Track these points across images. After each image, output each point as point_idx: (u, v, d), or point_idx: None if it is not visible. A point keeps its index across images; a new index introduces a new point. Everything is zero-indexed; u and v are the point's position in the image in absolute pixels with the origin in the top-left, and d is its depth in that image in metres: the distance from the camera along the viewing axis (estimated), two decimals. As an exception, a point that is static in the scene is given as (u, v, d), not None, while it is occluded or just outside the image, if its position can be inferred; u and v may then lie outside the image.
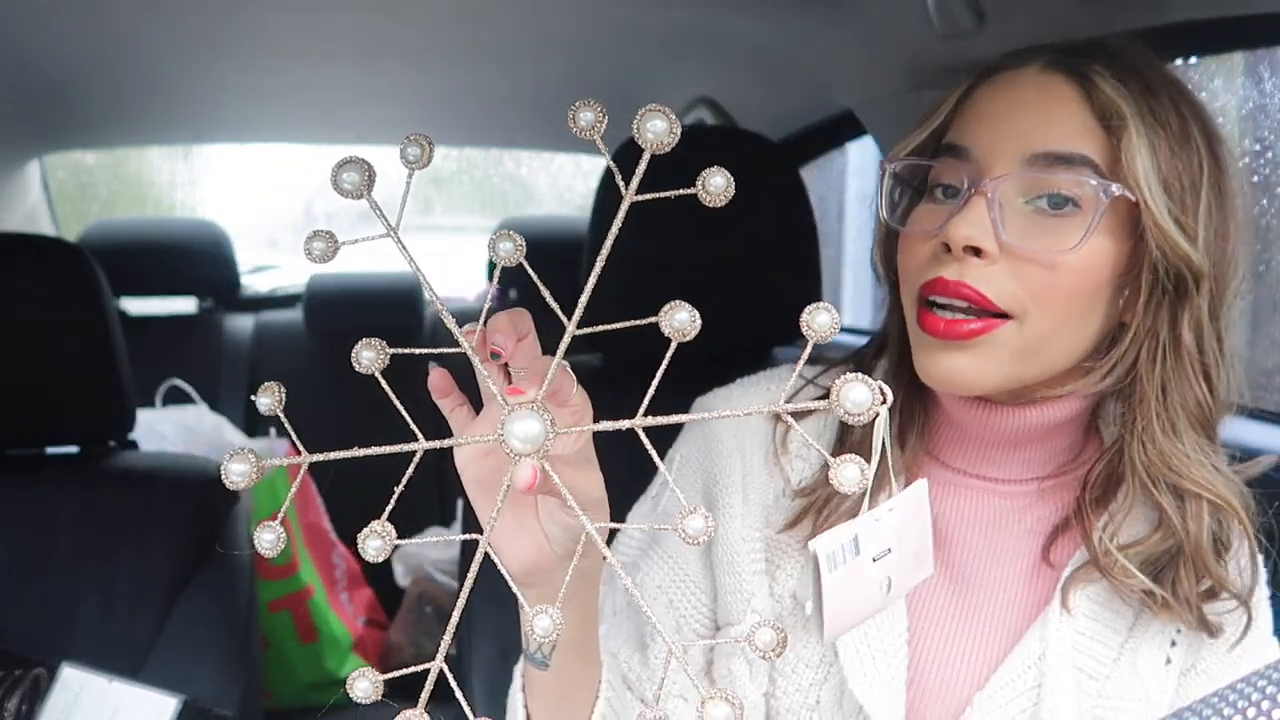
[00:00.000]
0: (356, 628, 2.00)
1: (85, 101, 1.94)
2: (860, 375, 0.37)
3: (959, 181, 0.66)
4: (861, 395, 0.36)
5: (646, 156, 0.37)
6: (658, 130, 0.37)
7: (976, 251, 0.63)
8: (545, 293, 0.41)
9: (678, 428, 0.83)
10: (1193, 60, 1.21)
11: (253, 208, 3.90)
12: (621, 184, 0.38)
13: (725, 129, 1.83)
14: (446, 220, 4.02)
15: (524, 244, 0.41)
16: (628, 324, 0.39)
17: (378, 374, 0.43)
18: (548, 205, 3.72)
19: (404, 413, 0.42)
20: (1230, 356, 0.68)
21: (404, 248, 0.40)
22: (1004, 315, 0.64)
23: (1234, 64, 1.27)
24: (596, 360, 1.18)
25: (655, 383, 0.39)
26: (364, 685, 0.39)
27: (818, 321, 0.37)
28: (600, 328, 0.40)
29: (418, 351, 0.45)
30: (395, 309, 2.46)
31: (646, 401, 0.39)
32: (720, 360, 1.10)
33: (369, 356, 0.42)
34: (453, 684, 0.40)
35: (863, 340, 0.82)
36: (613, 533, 0.81)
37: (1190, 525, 0.67)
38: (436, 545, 2.08)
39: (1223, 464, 0.69)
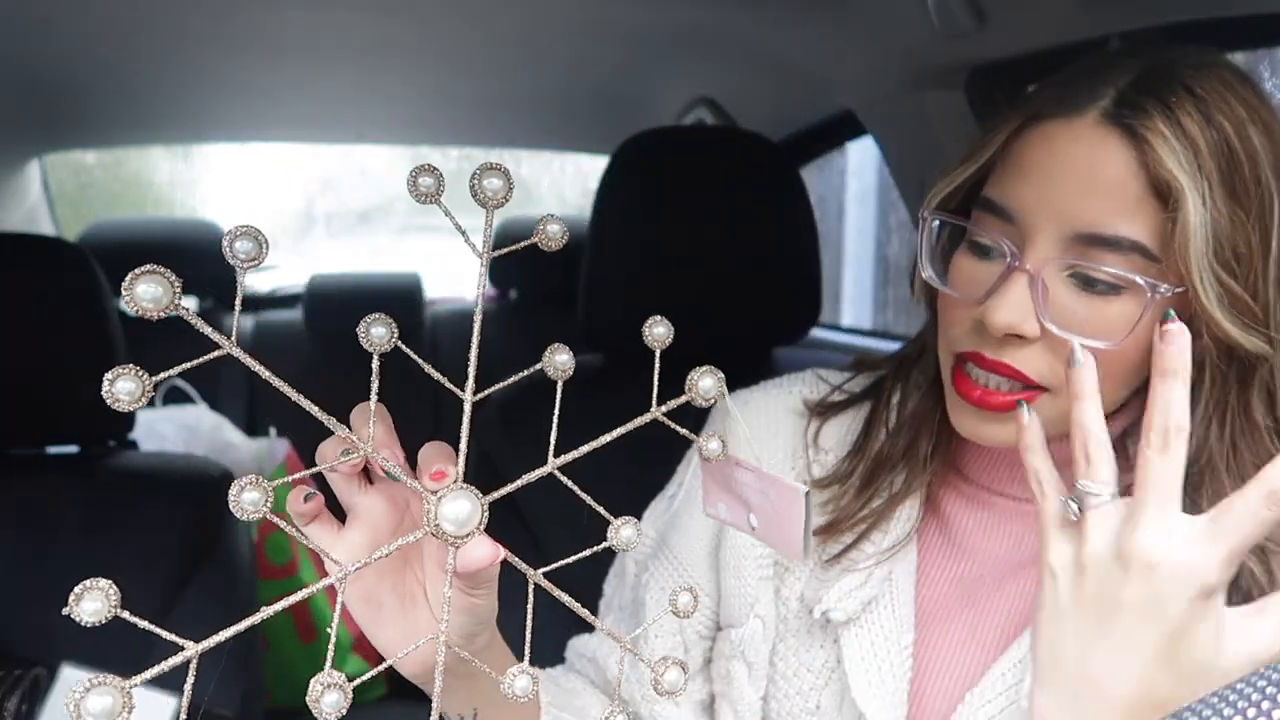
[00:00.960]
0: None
1: (85, 101, 1.94)
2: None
3: (999, 246, 0.62)
4: (708, 384, 0.38)
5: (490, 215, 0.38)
6: (494, 188, 0.37)
7: (1017, 334, 0.61)
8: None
9: (677, 433, 0.83)
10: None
11: (253, 208, 3.90)
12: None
13: (725, 129, 1.83)
14: (446, 220, 4.01)
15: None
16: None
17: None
18: (548, 205, 3.72)
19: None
20: None
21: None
22: (1040, 388, 0.62)
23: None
24: (596, 360, 1.18)
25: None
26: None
27: (655, 332, 0.39)
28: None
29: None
30: (395, 309, 2.45)
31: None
32: (720, 361, 1.10)
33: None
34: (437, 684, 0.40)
35: (863, 340, 0.82)
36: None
37: (1277, 575, 0.63)
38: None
39: None
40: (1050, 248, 0.60)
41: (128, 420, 1.26)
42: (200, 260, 2.50)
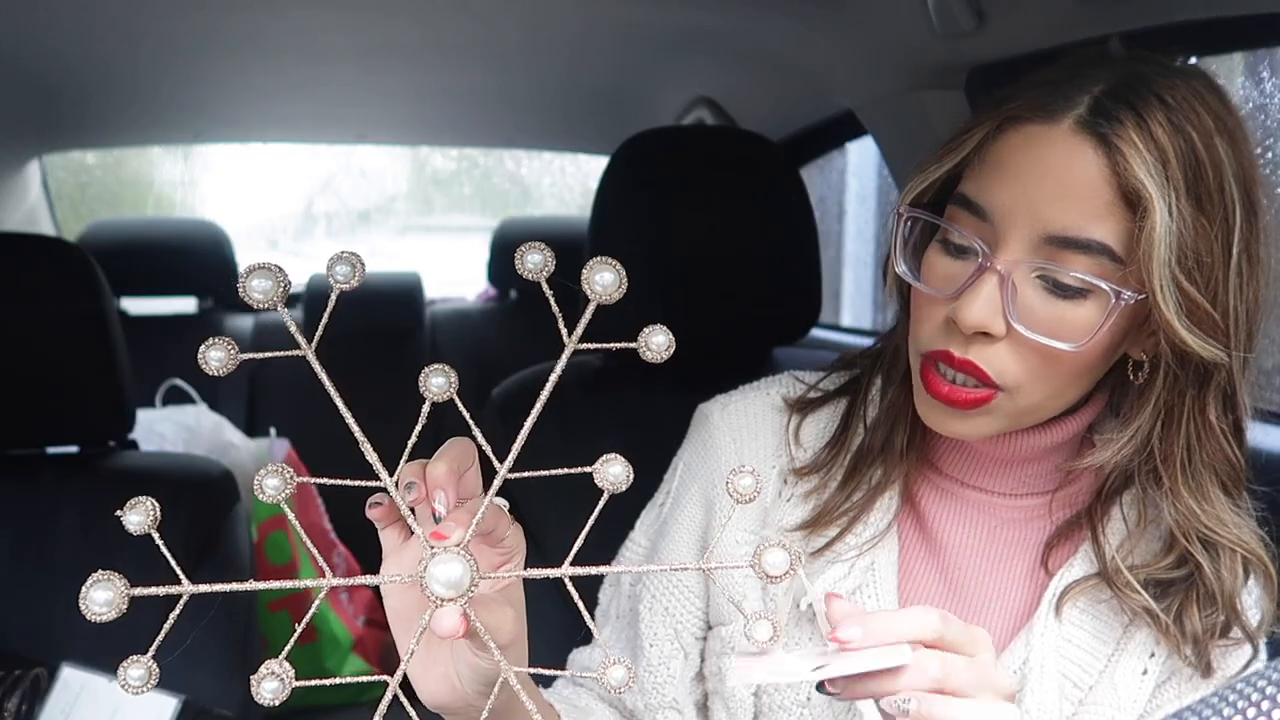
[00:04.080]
0: (356, 628, 2.00)
1: (85, 101, 1.94)
2: (779, 540, 0.40)
3: (972, 244, 0.64)
4: (778, 558, 0.39)
5: (592, 308, 0.37)
6: (606, 283, 0.36)
7: (985, 331, 0.63)
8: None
9: (677, 434, 0.84)
10: (1193, 60, 1.21)
11: (253, 208, 3.90)
12: (564, 331, 0.38)
13: (725, 129, 1.83)
14: (446, 220, 4.02)
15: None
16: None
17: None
18: (548, 205, 3.71)
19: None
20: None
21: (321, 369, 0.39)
22: (997, 387, 0.65)
23: (1234, 64, 1.27)
24: (595, 360, 1.18)
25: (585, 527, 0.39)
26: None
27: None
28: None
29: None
30: (395, 309, 2.46)
31: (578, 544, 0.39)
32: (720, 361, 1.10)
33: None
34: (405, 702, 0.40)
35: (863, 340, 0.83)
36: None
37: (1224, 575, 0.67)
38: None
39: (1250, 517, 0.69)
40: (1022, 248, 0.62)
41: (127, 420, 1.26)
42: (200, 260, 2.51)
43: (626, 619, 0.81)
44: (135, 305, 2.47)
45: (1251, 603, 0.71)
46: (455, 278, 2.97)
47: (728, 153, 1.18)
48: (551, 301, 0.37)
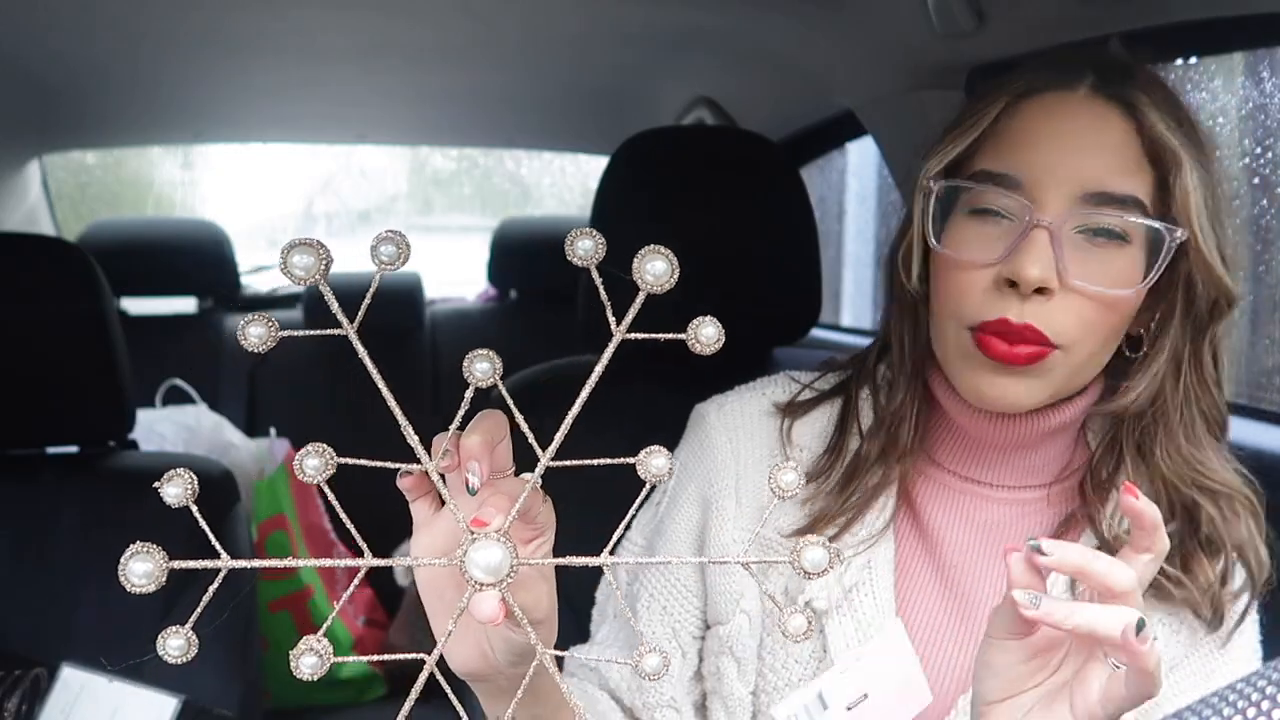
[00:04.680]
0: (356, 628, 2.00)
1: (85, 101, 1.94)
2: (818, 539, 0.39)
3: (1010, 211, 0.66)
4: (818, 556, 0.38)
5: (641, 297, 0.37)
6: (658, 272, 0.36)
7: (1041, 289, 0.64)
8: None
9: (678, 432, 0.84)
10: (1193, 60, 1.21)
11: (253, 208, 3.90)
12: (612, 320, 0.37)
13: (725, 129, 1.83)
14: (446, 220, 4.02)
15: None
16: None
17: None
18: (548, 205, 3.71)
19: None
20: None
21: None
22: (1054, 345, 0.66)
23: (1234, 64, 1.27)
24: (596, 360, 1.17)
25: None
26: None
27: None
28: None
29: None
30: (396, 309, 2.46)
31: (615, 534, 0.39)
32: (720, 360, 1.10)
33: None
34: (444, 684, 0.40)
35: (863, 340, 0.83)
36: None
37: (1228, 518, 0.70)
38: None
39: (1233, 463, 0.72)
40: (1061, 206, 0.64)
41: (127, 420, 1.26)
42: (200, 260, 2.51)
43: (623, 617, 0.81)
44: (135, 305, 2.47)
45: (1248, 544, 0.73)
46: (455, 278, 2.97)
47: (728, 153, 1.18)
48: (601, 290, 0.37)
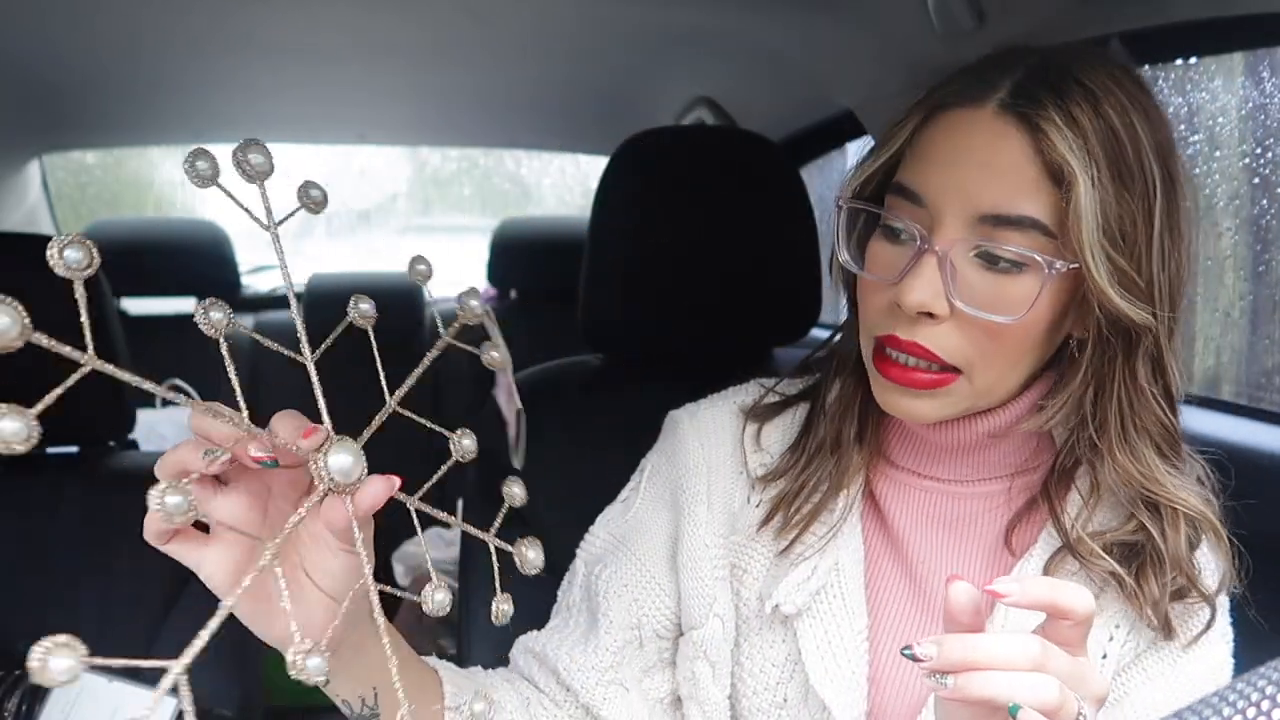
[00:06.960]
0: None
1: (85, 101, 1.94)
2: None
3: (910, 230, 0.66)
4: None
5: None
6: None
7: (929, 312, 0.64)
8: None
9: (657, 437, 0.85)
10: (1193, 60, 1.21)
11: (252, 208, 3.90)
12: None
13: (725, 129, 1.83)
14: (446, 220, 4.02)
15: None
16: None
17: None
18: (548, 205, 3.72)
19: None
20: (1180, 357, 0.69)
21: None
22: (955, 369, 0.66)
23: (1234, 64, 1.27)
24: (595, 360, 1.18)
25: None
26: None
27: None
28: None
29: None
30: (395, 309, 2.46)
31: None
32: (720, 361, 1.10)
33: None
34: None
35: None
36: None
37: (1169, 535, 0.68)
38: (436, 546, 2.09)
39: (1189, 475, 0.70)
40: (957, 229, 0.64)
41: (127, 420, 1.26)
42: (200, 260, 2.51)
43: (580, 608, 0.81)
44: (135, 305, 2.47)
45: (1208, 564, 0.72)
46: (455, 278, 2.98)
47: (728, 153, 1.18)
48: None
